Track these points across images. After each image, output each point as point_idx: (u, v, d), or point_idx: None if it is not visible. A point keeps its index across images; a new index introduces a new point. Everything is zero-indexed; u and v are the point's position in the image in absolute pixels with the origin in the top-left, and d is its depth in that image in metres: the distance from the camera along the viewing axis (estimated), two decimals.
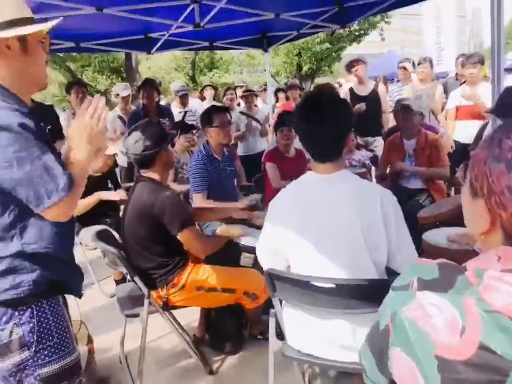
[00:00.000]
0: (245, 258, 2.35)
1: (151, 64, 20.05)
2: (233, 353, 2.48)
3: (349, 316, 1.51)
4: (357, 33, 17.82)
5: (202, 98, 6.42)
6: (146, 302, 2.13)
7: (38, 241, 1.20)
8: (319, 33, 16.36)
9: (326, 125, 1.48)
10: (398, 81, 5.59)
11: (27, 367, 1.21)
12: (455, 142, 4.44)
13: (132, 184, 3.93)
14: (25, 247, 1.19)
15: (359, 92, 4.79)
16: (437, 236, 2.21)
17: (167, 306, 2.22)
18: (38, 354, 1.21)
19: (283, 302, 1.69)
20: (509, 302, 0.63)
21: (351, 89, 4.88)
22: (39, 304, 1.23)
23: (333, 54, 18.63)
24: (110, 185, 3.51)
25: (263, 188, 3.59)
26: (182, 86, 5.39)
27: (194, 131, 4.18)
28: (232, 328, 2.52)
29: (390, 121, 4.78)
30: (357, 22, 15.39)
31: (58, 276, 1.26)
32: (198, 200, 2.92)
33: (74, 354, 1.30)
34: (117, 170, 5.02)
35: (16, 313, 1.19)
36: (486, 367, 0.62)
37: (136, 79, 11.22)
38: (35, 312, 1.21)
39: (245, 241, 2.39)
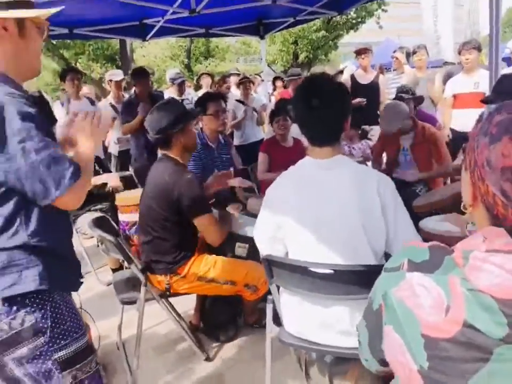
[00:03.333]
0: (239, 248, 2.35)
1: (145, 52, 19.86)
2: (227, 341, 2.48)
3: (347, 302, 1.51)
4: (354, 21, 17.70)
5: (199, 87, 6.36)
6: (143, 289, 2.13)
7: (42, 233, 1.18)
8: (316, 21, 16.28)
9: (325, 108, 1.47)
10: (394, 70, 5.58)
11: (43, 353, 1.20)
12: (452, 130, 4.43)
13: (127, 173, 3.92)
14: (30, 239, 1.16)
15: (360, 80, 4.81)
16: (432, 223, 2.21)
17: (169, 293, 2.21)
18: (53, 339, 1.21)
19: (280, 288, 1.69)
20: (492, 281, 0.64)
21: (352, 77, 4.86)
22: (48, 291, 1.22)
23: (330, 42, 18.52)
24: (97, 167, 3.42)
25: None
26: (177, 73, 5.31)
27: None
28: (226, 317, 2.52)
29: None
30: (353, 9, 15.30)
31: (59, 271, 1.23)
32: None
33: (86, 337, 1.32)
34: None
35: (27, 301, 1.17)
36: (470, 345, 0.64)
37: (131, 67, 11.12)
38: (45, 298, 1.20)
39: (240, 230, 2.38)
